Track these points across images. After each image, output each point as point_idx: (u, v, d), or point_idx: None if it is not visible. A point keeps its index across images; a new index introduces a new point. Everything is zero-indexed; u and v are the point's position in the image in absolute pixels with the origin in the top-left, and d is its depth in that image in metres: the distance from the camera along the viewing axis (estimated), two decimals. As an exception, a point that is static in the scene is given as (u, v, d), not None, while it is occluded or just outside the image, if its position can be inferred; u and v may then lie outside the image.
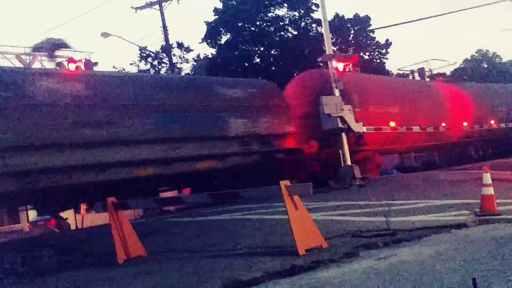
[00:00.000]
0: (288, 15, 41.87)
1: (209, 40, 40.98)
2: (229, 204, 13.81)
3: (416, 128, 22.63)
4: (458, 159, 27.51)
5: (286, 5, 41.41)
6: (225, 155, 17.58)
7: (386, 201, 11.13)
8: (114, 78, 17.13)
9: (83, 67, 16.88)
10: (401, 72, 36.75)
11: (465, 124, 26.20)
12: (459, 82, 35.78)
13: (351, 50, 41.64)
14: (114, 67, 36.40)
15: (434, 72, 30.69)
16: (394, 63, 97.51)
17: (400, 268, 5.65)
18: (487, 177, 8.65)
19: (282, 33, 41.67)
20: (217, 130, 17.33)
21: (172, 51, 37.09)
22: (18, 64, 17.89)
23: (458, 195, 11.29)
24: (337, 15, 44.73)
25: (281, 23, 41.61)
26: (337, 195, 14.24)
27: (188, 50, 40.65)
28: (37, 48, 17.23)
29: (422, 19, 42.93)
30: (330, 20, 29.14)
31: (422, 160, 30.19)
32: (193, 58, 40.97)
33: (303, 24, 42.19)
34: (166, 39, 33.96)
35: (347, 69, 18.19)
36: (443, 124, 24.63)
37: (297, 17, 42.01)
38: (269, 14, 41.47)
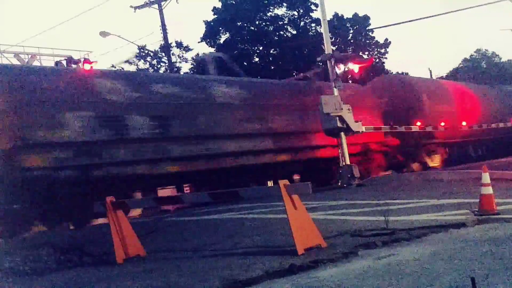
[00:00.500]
0: (287, 15, 41.91)
1: (208, 40, 40.99)
2: (228, 203, 13.81)
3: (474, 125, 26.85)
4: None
5: (285, 4, 41.45)
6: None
7: (385, 201, 11.14)
8: (263, 84, 22.12)
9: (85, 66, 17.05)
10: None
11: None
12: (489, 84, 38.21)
13: (350, 50, 41.68)
14: (112, 66, 36.40)
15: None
16: (393, 62, 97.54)
17: (399, 267, 5.65)
18: (486, 177, 8.66)
19: (281, 32, 41.70)
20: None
21: (171, 50, 37.09)
22: (17, 63, 17.91)
23: (457, 195, 11.30)
24: (336, 15, 44.78)
25: (280, 23, 41.64)
26: (336, 195, 14.26)
27: (187, 49, 40.69)
28: None
29: (421, 18, 42.87)
30: (329, 19, 29.16)
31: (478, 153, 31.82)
32: (192, 58, 40.98)
33: (302, 23, 42.23)
34: (165, 38, 33.93)
35: (346, 69, 18.26)
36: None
37: (296, 17, 42.05)
38: (268, 14, 41.48)
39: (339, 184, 17.28)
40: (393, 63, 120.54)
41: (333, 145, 18.92)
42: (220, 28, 40.55)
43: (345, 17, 45.05)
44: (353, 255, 6.52)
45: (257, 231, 9.07)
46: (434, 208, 9.70)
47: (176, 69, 38.10)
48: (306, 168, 19.89)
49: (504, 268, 5.13)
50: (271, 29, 40.95)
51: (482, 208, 8.50)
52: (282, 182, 6.92)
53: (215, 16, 40.53)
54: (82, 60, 18.07)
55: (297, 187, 7.10)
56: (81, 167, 13.94)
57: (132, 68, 37.50)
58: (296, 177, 19.78)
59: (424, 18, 44.64)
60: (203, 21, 40.81)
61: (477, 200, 8.70)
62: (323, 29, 18.84)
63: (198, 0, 59.41)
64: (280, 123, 19.54)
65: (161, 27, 33.40)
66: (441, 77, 45.61)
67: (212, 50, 40.61)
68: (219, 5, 40.63)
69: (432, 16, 52.35)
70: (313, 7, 40.78)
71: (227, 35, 40.55)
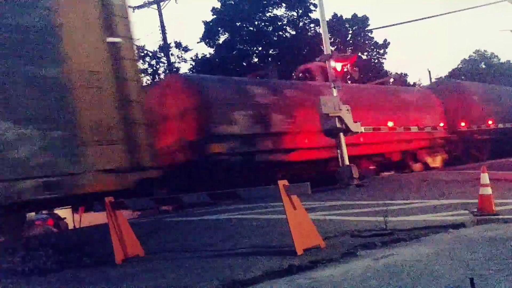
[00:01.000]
0: (286, 15, 41.90)
1: (207, 40, 40.95)
2: (227, 203, 13.82)
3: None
4: None
5: (284, 5, 41.42)
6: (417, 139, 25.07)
7: (384, 201, 11.15)
8: (355, 88, 24.80)
9: None
10: None
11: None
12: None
13: (349, 50, 41.68)
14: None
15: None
16: (392, 63, 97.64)
17: (398, 267, 5.66)
18: (485, 177, 8.68)
19: (280, 33, 41.71)
20: (408, 122, 24.22)
21: (170, 50, 37.08)
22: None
23: (456, 195, 11.32)
24: (335, 15, 44.78)
25: (279, 23, 41.65)
26: (335, 195, 14.26)
27: (186, 49, 40.65)
28: None
29: (420, 19, 42.96)
30: (328, 20, 29.19)
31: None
32: (191, 58, 40.97)
33: (301, 24, 42.24)
34: (164, 38, 33.97)
35: (345, 69, 18.15)
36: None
37: (295, 17, 42.04)
38: (267, 14, 41.47)
39: (338, 184, 17.26)
40: (392, 63, 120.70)
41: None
42: (219, 29, 40.53)
43: (344, 18, 45.09)
44: (352, 255, 6.52)
45: (256, 231, 9.08)
46: (433, 208, 9.70)
47: (175, 69, 38.09)
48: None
49: (503, 268, 5.14)
50: (270, 29, 40.96)
51: (481, 208, 8.51)
52: (282, 183, 6.92)
53: (214, 16, 40.50)
54: None
55: (296, 188, 7.10)
56: (245, 154, 17.51)
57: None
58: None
59: (423, 18, 44.75)
60: (202, 21, 40.79)
61: (476, 201, 8.72)
62: (322, 30, 18.80)
63: (197, 0, 59.41)
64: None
65: (160, 27, 33.45)
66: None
67: (211, 50, 40.63)
68: (218, 5, 40.63)
69: (431, 16, 52.46)
70: (312, 7, 40.80)
71: (226, 35, 40.54)
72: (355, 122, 17.60)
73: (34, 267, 8.12)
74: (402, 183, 16.24)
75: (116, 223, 8.19)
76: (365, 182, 17.30)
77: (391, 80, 28.62)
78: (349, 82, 27.76)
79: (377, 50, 46.86)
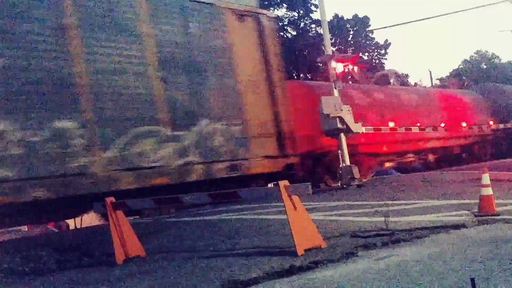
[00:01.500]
0: (287, 15, 41.87)
1: (208, 40, 40.88)
2: (228, 204, 13.80)
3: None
4: None
5: (285, 5, 41.38)
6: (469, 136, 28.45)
7: (385, 201, 11.14)
8: (397, 90, 26.43)
9: None
10: None
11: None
12: None
13: (350, 51, 41.67)
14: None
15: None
16: (393, 63, 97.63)
17: (398, 268, 5.65)
18: (486, 178, 8.67)
19: (281, 33, 41.64)
20: (463, 121, 27.94)
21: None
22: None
23: (457, 196, 11.31)
24: (336, 16, 44.81)
25: (280, 24, 41.58)
26: (335, 195, 14.25)
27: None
28: None
29: (421, 19, 43.02)
30: (329, 20, 29.24)
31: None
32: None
33: (302, 24, 42.22)
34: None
35: (346, 70, 18.11)
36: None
37: (296, 18, 42.04)
38: (268, 14, 41.37)
39: (339, 184, 17.25)
40: (393, 64, 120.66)
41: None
42: (220, 29, 40.54)
43: (345, 18, 45.10)
44: (353, 255, 6.51)
45: (257, 231, 9.08)
46: (434, 208, 9.69)
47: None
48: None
49: (504, 268, 5.13)
50: (271, 29, 40.95)
51: (482, 209, 8.50)
52: (282, 183, 6.91)
53: (215, 16, 40.52)
54: None
55: (297, 188, 7.09)
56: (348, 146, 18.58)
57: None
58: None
59: (424, 19, 44.81)
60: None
61: (477, 201, 8.71)
62: (323, 30, 18.77)
63: (198, 0, 59.18)
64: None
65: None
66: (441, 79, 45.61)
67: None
68: (219, 6, 40.64)
69: (432, 17, 52.50)
70: (313, 8, 40.79)
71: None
72: (362, 123, 17.66)
73: (35, 267, 8.12)
74: (403, 183, 16.22)
75: (117, 223, 8.18)
76: (366, 183, 17.30)
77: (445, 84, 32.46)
78: (350, 82, 27.69)
79: (378, 50, 46.88)
